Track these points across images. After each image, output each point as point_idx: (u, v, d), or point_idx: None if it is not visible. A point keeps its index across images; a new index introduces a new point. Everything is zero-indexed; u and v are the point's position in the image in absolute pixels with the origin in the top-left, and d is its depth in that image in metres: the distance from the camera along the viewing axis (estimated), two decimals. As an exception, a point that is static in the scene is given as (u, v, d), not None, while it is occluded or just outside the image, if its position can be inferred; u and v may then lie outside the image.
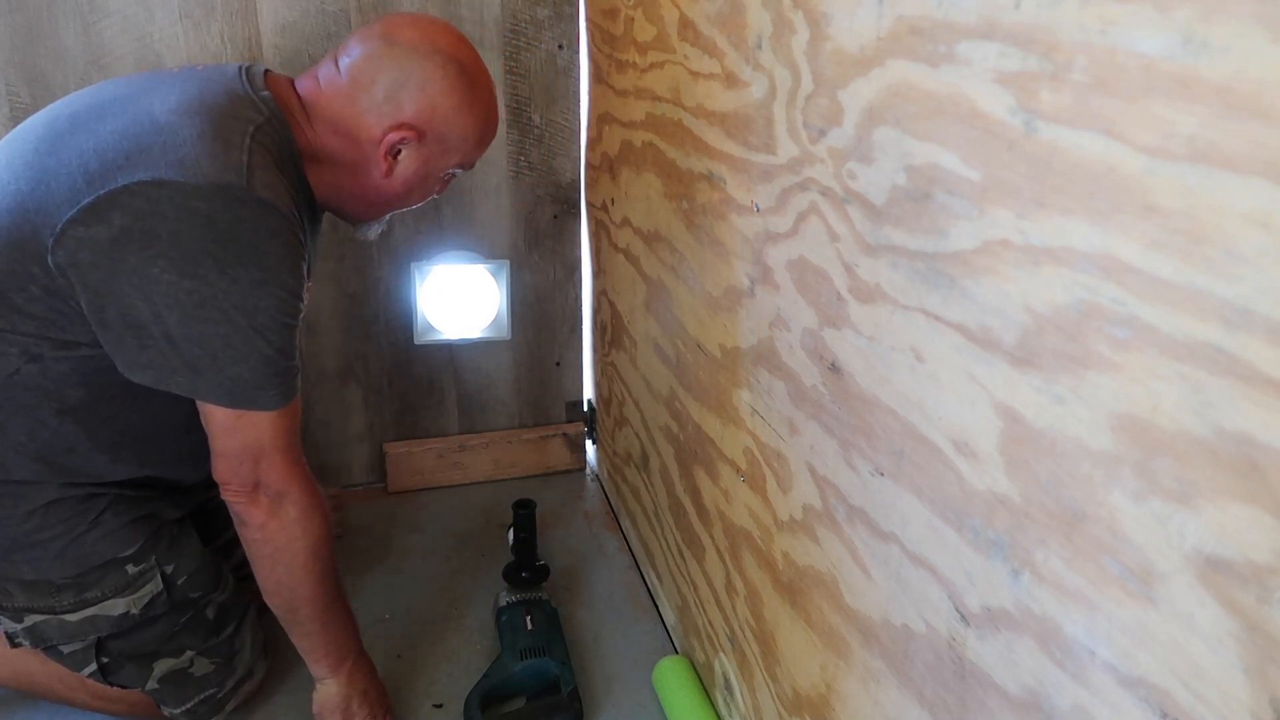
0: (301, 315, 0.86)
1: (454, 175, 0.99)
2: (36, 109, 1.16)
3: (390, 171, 0.92)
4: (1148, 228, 0.38)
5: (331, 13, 1.24)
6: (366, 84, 0.88)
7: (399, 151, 0.91)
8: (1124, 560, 0.41)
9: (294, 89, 0.91)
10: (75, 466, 0.89)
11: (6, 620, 0.94)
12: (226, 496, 0.86)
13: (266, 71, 0.91)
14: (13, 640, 0.95)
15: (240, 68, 0.88)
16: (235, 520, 0.88)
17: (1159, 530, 0.39)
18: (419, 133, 0.90)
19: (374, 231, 1.05)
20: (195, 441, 0.85)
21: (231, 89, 0.84)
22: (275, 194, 0.79)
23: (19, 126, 0.87)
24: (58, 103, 0.87)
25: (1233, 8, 0.33)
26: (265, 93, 0.86)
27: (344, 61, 0.89)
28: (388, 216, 1.03)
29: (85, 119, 0.81)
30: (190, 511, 1.04)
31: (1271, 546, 0.34)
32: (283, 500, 0.86)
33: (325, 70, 0.90)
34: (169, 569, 0.97)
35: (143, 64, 1.18)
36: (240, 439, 0.83)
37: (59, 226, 0.75)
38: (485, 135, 0.96)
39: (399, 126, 0.89)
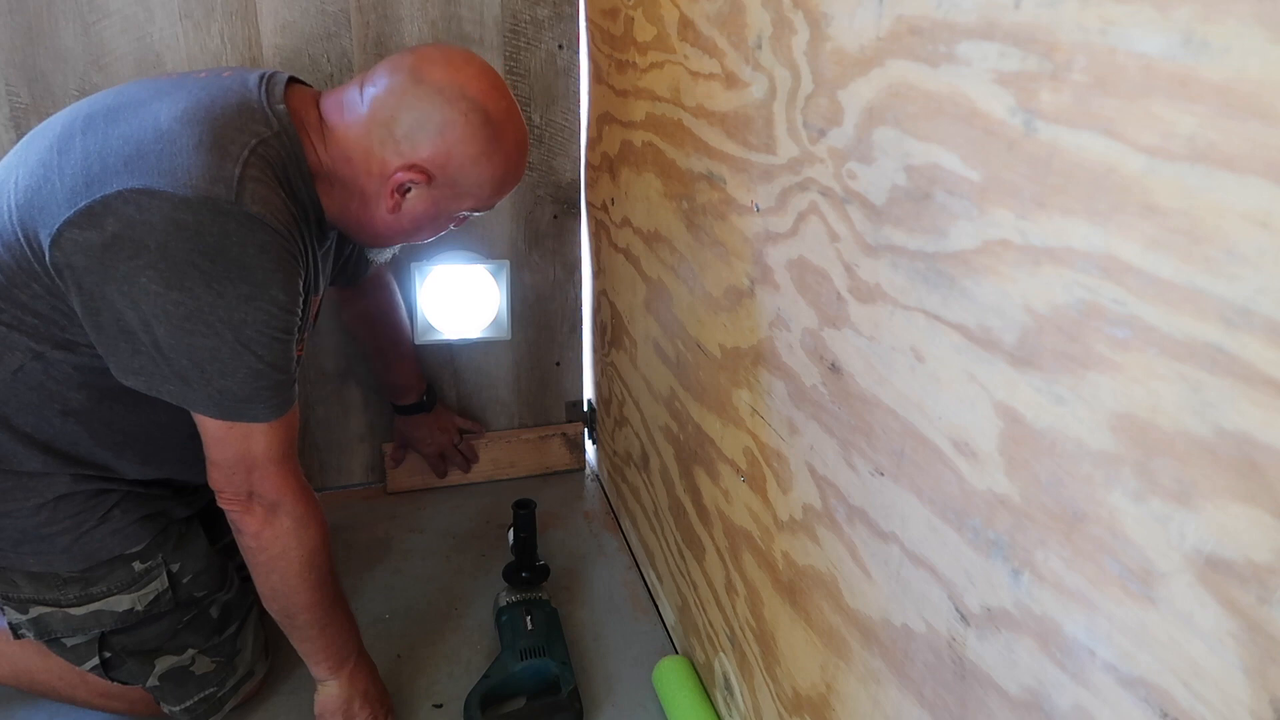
0: (300, 329, 0.85)
1: (468, 216, 0.98)
2: (36, 109, 1.16)
3: (397, 208, 0.90)
4: (1148, 228, 0.38)
5: (331, 13, 1.24)
6: (386, 119, 0.86)
7: (408, 190, 0.89)
8: (1124, 560, 0.41)
9: (316, 105, 0.89)
10: (82, 458, 0.90)
11: (11, 611, 0.94)
12: (222, 504, 0.86)
13: (293, 81, 0.89)
14: (16, 632, 0.95)
15: (263, 76, 0.87)
16: (232, 527, 0.88)
17: (1159, 530, 0.39)
18: (429, 176, 0.88)
19: (384, 255, 1.05)
20: (198, 446, 0.85)
21: (246, 99, 0.83)
22: (267, 208, 0.78)
23: (45, 122, 0.87)
24: (82, 101, 0.87)
25: (1233, 8, 0.33)
26: (281, 106, 0.84)
27: (369, 90, 0.87)
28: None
29: (99, 120, 0.80)
30: (198, 510, 1.05)
31: (1271, 546, 0.34)
32: (277, 510, 0.86)
33: (350, 95, 0.89)
34: (175, 567, 0.97)
35: (143, 64, 1.18)
36: (233, 450, 0.83)
37: (57, 227, 0.75)
38: (504, 184, 0.94)
39: (410, 167, 0.87)
